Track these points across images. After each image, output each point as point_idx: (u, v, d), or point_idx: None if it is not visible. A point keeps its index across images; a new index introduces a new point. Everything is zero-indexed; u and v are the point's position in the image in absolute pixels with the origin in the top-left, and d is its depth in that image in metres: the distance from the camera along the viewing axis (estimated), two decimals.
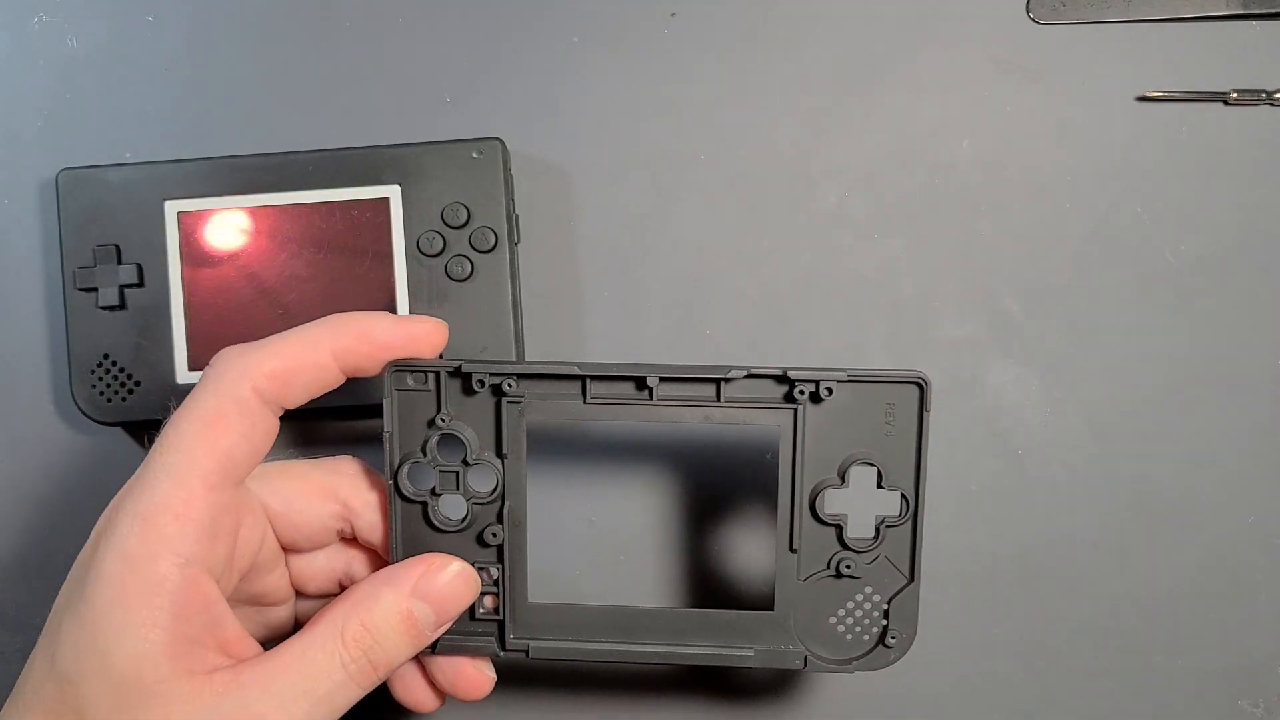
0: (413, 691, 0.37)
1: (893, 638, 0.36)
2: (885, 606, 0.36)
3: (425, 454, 0.36)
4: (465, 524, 0.36)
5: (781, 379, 0.35)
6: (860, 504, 0.36)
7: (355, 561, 0.37)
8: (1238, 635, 0.42)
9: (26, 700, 0.31)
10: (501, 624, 0.37)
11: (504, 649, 0.37)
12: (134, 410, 0.41)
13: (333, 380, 0.35)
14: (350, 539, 0.37)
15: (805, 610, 0.36)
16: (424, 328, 0.35)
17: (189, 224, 0.41)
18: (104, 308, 0.41)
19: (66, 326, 0.41)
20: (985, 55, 0.43)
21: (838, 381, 0.35)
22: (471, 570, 0.35)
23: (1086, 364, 0.43)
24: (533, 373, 0.35)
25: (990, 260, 0.43)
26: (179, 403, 0.33)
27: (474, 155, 0.41)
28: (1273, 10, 0.42)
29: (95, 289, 0.41)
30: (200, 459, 0.32)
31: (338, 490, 0.36)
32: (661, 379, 0.35)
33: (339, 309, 0.40)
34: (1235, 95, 0.42)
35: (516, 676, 0.43)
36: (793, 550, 0.36)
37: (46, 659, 0.31)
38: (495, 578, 0.36)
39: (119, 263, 0.41)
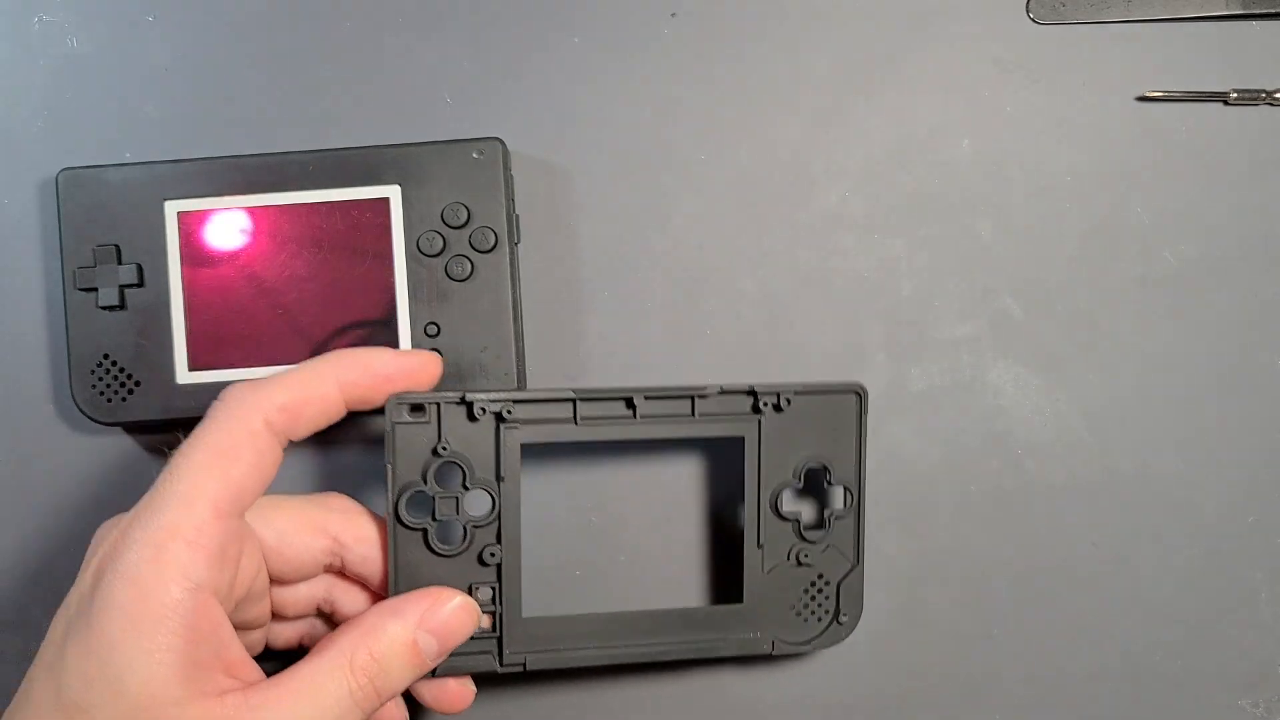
0: (387, 709, 0.38)
1: (844, 615, 0.41)
2: (836, 589, 0.41)
3: (425, 481, 0.37)
4: (464, 546, 0.38)
5: (748, 393, 0.40)
6: (813, 500, 0.42)
7: (335, 588, 0.38)
8: (1238, 635, 0.43)
9: None
10: (500, 640, 0.38)
11: (502, 665, 0.38)
12: (134, 410, 0.41)
13: (337, 413, 0.36)
14: (337, 570, 0.38)
15: (770, 599, 0.41)
16: (421, 360, 0.37)
17: (189, 224, 0.41)
18: (104, 308, 0.41)
19: (66, 326, 0.41)
20: (985, 55, 0.43)
21: (795, 393, 0.40)
22: (473, 603, 0.37)
23: (1086, 364, 0.43)
24: (529, 398, 0.38)
25: (990, 260, 0.43)
26: (184, 429, 0.34)
27: (474, 155, 0.41)
28: (1273, 10, 0.42)
29: (95, 289, 0.41)
30: (211, 487, 0.33)
31: (329, 525, 0.37)
32: (645, 397, 0.39)
33: (339, 309, 0.41)
34: (1235, 95, 0.42)
35: (516, 675, 0.43)
36: (759, 546, 0.40)
37: (50, 690, 0.31)
38: (492, 597, 0.38)
39: (119, 263, 0.41)
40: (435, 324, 0.41)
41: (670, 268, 0.43)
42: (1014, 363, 0.43)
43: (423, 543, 0.38)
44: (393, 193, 0.41)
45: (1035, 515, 0.43)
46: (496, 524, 0.38)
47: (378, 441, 0.42)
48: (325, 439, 0.40)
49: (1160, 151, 0.43)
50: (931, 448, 0.43)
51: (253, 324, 0.41)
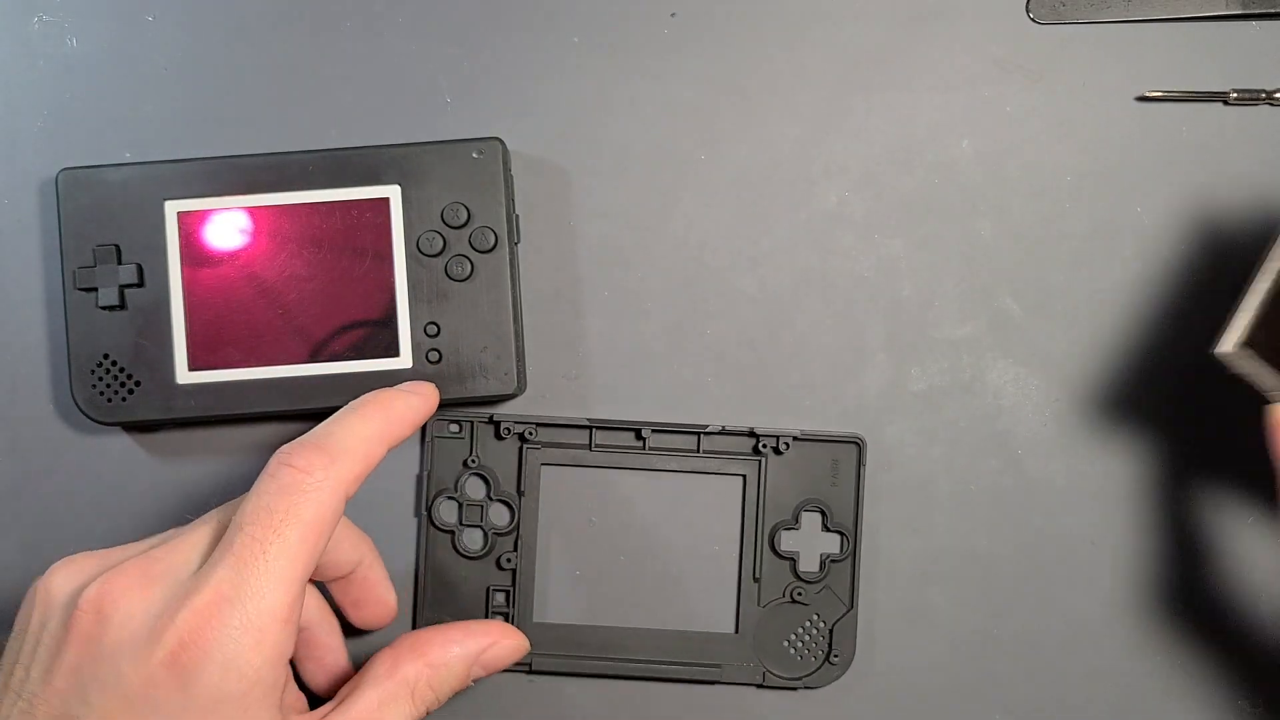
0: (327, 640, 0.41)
1: (836, 656, 0.42)
2: (830, 630, 0.42)
3: (456, 489, 0.42)
4: (485, 551, 0.42)
5: (750, 435, 0.42)
6: (810, 542, 0.42)
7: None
8: (1238, 635, 0.42)
9: None
10: None
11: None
12: (134, 410, 0.41)
13: None
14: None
15: (765, 632, 0.42)
16: (431, 391, 0.40)
17: (189, 224, 0.41)
18: (104, 308, 0.41)
19: (66, 326, 0.41)
20: (985, 55, 0.43)
21: (794, 439, 0.42)
22: (525, 643, 0.39)
23: (1086, 364, 0.43)
24: (549, 423, 0.42)
25: (990, 260, 0.43)
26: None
27: (474, 155, 0.41)
28: (1273, 10, 0.42)
29: (95, 289, 0.41)
30: (303, 566, 0.34)
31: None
32: (654, 430, 0.42)
33: (339, 309, 0.41)
34: (1235, 95, 0.42)
35: (521, 672, 0.43)
36: (755, 579, 0.42)
37: None
38: (506, 599, 0.42)
39: (119, 263, 0.41)
40: (435, 324, 0.41)
41: (670, 268, 0.43)
42: (1014, 363, 0.43)
43: (450, 544, 0.42)
44: (393, 193, 0.41)
45: (1035, 515, 0.43)
46: (515, 533, 0.42)
47: None
48: None
49: (1160, 151, 0.43)
50: (931, 448, 0.43)
51: (253, 324, 0.41)
